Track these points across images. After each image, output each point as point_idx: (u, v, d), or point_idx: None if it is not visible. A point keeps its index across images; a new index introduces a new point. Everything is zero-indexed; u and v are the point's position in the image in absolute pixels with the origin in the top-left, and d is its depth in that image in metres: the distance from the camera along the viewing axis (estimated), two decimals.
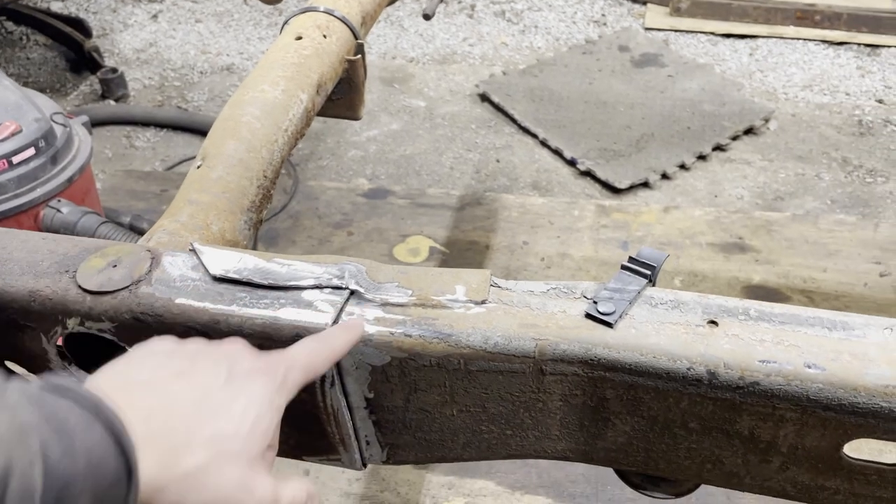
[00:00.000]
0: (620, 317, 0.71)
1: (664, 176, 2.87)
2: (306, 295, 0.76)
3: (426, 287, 0.77)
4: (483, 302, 0.75)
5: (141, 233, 2.60)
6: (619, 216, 2.69)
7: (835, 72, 3.44)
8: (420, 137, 3.15)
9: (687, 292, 0.74)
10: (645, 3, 3.97)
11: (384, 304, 0.75)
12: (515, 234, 2.63)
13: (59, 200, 1.96)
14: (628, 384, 0.71)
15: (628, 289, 0.73)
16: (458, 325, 0.73)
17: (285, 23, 1.30)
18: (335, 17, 1.28)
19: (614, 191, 2.83)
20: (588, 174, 2.90)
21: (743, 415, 0.69)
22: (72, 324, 0.79)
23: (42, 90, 3.45)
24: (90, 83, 3.49)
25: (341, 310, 0.75)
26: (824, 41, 3.62)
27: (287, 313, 0.75)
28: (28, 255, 0.83)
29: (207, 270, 0.79)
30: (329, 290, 0.77)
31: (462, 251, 2.58)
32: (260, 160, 1.03)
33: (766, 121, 3.13)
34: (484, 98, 3.34)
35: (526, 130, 3.14)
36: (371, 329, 0.73)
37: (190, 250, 0.83)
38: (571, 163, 2.95)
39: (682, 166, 2.91)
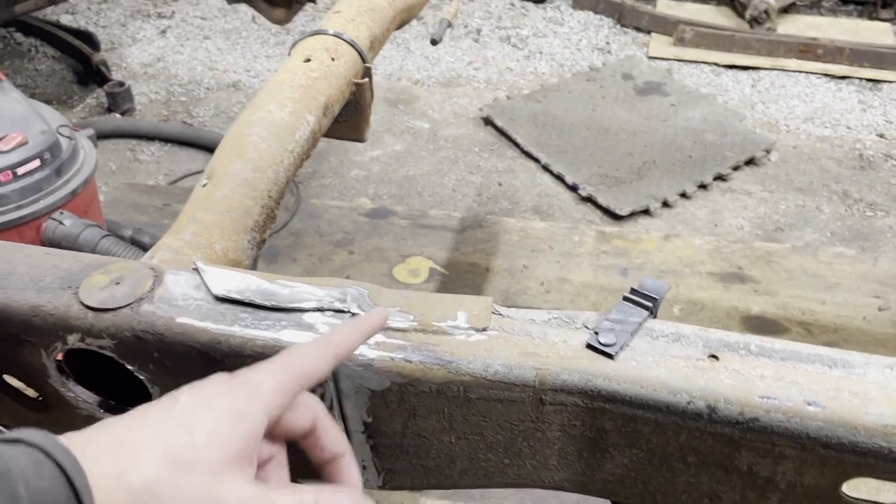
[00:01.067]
0: (621, 348, 0.71)
1: (665, 204, 2.89)
2: (308, 317, 0.76)
3: (428, 313, 0.77)
4: (484, 329, 0.75)
5: (142, 246, 2.61)
6: (619, 243, 2.69)
7: (836, 105, 3.46)
8: (423, 159, 3.17)
9: (688, 325, 0.74)
10: (649, 33, 4.01)
11: (386, 329, 0.76)
12: (516, 258, 2.63)
13: (61, 213, 1.97)
14: (628, 416, 0.71)
15: (630, 320, 0.74)
16: (458, 352, 0.73)
17: (294, 44, 1.31)
18: (344, 40, 1.29)
19: (615, 217, 2.83)
20: (589, 200, 2.92)
21: (742, 450, 0.69)
22: (72, 340, 0.79)
23: (49, 102, 3.47)
24: (97, 96, 3.52)
25: None
26: (826, 75, 3.65)
27: (288, 335, 0.75)
28: (32, 269, 0.83)
29: (210, 290, 0.79)
30: (331, 312, 0.77)
31: (462, 273, 2.58)
32: (265, 180, 1.03)
33: (768, 152, 3.15)
34: (487, 122, 3.36)
35: (528, 155, 3.15)
36: (371, 353, 0.73)
37: (193, 269, 0.83)
38: (573, 188, 2.96)
39: (683, 195, 2.93)
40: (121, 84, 3.37)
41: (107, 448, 0.53)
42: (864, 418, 0.65)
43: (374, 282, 2.67)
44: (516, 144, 3.21)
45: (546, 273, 2.57)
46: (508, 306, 0.81)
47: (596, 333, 0.72)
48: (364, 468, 0.85)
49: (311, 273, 2.64)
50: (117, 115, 3.36)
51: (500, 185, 3.03)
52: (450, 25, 1.61)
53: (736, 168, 3.07)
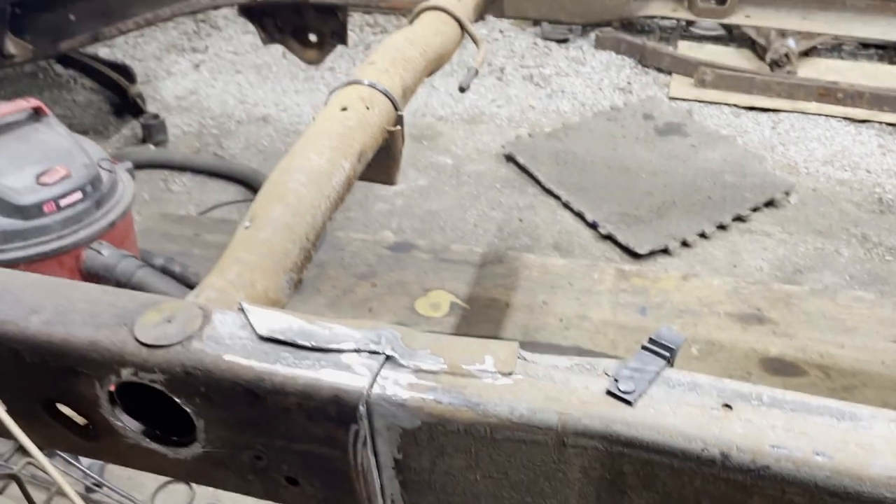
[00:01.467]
0: (640, 396, 0.76)
1: (684, 243, 2.92)
2: (345, 358, 0.82)
3: (457, 356, 0.82)
4: (510, 374, 0.80)
5: (172, 275, 2.69)
6: (638, 281, 2.73)
7: (856, 149, 3.50)
8: (446, 194, 3.24)
9: (703, 375, 0.79)
10: (670, 74, 4.08)
11: (417, 371, 0.81)
12: (535, 294, 2.68)
13: (100, 243, 2.05)
14: (645, 461, 0.75)
15: (648, 369, 0.78)
16: (485, 394, 0.78)
17: (331, 93, 1.38)
18: (378, 90, 1.36)
19: (634, 255, 2.87)
20: (609, 238, 2.96)
21: (753, 496, 0.73)
22: (126, 373, 0.85)
23: (85, 132, 3.60)
24: (132, 127, 3.64)
25: (377, 374, 0.80)
26: (846, 118, 3.69)
27: (327, 374, 0.80)
28: (89, 306, 0.89)
29: (255, 330, 0.85)
30: (366, 353, 0.82)
31: (482, 308, 2.63)
32: (304, 224, 1.10)
33: (787, 194, 3.18)
34: (509, 159, 3.43)
35: (549, 192, 3.21)
36: (404, 394, 0.79)
37: (239, 309, 0.89)
38: (593, 226, 3.01)
39: (703, 235, 2.96)
40: (155, 116, 3.49)
41: None
42: (870, 470, 0.69)
43: (397, 314, 2.74)
44: (537, 181, 3.27)
45: (565, 309, 2.61)
46: (525, 342, 0.86)
47: (616, 381, 0.77)
48: (392, 502, 0.89)
49: (334, 304, 2.70)
50: (151, 147, 3.47)
51: (520, 221, 3.09)
52: (477, 73, 1.69)
53: (755, 209, 3.10)
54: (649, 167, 3.34)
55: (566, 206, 3.13)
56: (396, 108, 1.38)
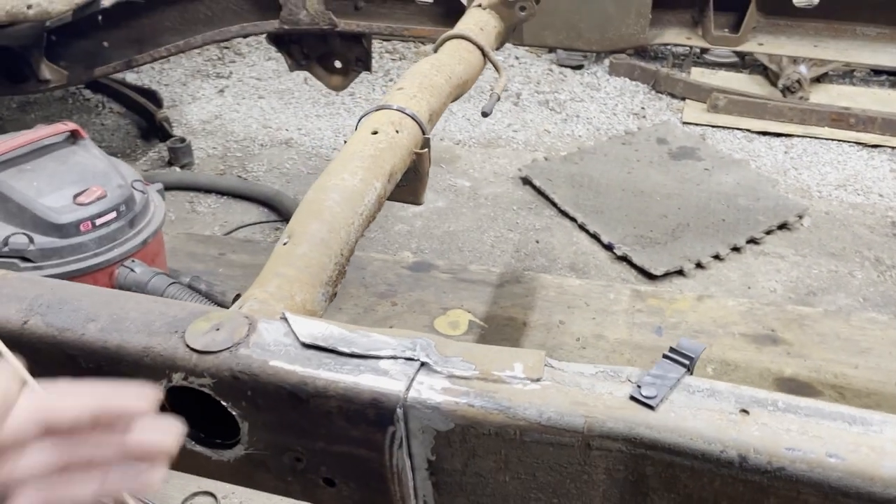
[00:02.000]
0: (661, 401, 0.81)
1: (699, 265, 2.96)
2: (383, 364, 0.87)
3: (488, 363, 0.87)
4: (538, 379, 0.85)
5: (198, 293, 2.75)
6: (653, 302, 2.77)
7: (868, 173, 3.53)
8: (464, 216, 3.30)
9: (721, 382, 0.83)
10: (683, 99, 4.14)
11: (451, 376, 0.86)
12: (552, 314, 2.72)
13: (133, 261, 2.12)
14: (667, 462, 0.79)
15: (669, 376, 0.83)
16: (515, 399, 0.83)
17: (361, 118, 1.45)
18: (406, 114, 1.43)
19: (649, 277, 2.92)
20: (624, 259, 3.01)
21: (770, 497, 0.77)
22: (177, 378, 0.91)
23: (114, 155, 3.70)
24: (158, 150, 3.74)
25: (413, 379, 0.86)
26: (858, 143, 3.73)
27: (366, 379, 0.86)
28: (142, 315, 0.96)
29: (297, 337, 0.90)
30: (402, 360, 0.88)
31: (500, 327, 2.67)
32: (339, 240, 1.16)
33: (800, 217, 3.22)
34: (526, 181, 3.50)
35: (565, 214, 3.27)
36: (439, 398, 0.84)
37: (281, 318, 0.95)
38: (608, 247, 3.06)
39: (717, 257, 3.00)
40: (182, 140, 3.58)
41: None
42: (881, 470, 0.73)
43: (417, 332, 2.75)
44: (554, 204, 3.33)
45: (582, 329, 2.65)
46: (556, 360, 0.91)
47: (639, 387, 0.82)
48: (425, 503, 0.94)
49: (356, 322, 2.74)
50: (177, 169, 3.56)
51: (537, 242, 3.14)
52: (499, 98, 1.75)
53: (769, 232, 3.14)
54: (663, 190, 3.39)
55: (582, 227, 3.18)
56: (423, 132, 1.45)
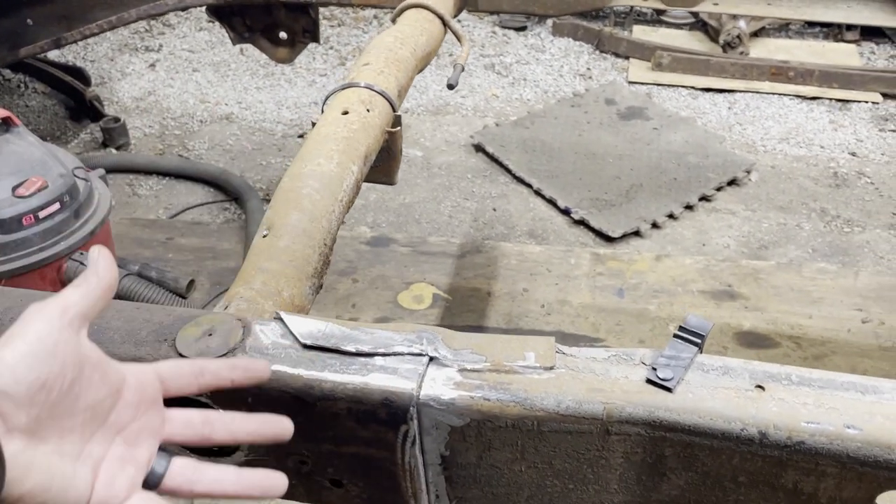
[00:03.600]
0: (678, 382, 0.80)
1: (654, 225, 3.00)
2: (390, 361, 0.84)
3: (498, 354, 0.85)
4: (552, 368, 0.83)
5: (150, 280, 2.65)
6: (613, 264, 2.80)
7: (809, 125, 3.63)
8: (418, 186, 3.25)
9: (733, 359, 0.83)
10: (627, 58, 4.16)
11: (462, 370, 0.83)
12: (515, 282, 2.72)
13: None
14: (686, 443, 0.79)
15: (682, 356, 0.82)
16: (531, 389, 0.81)
17: (328, 97, 1.39)
18: (375, 91, 1.38)
19: (607, 239, 2.94)
20: (582, 223, 3.02)
21: (788, 470, 0.78)
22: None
23: (43, 138, 3.49)
24: (90, 131, 3.55)
25: (423, 375, 0.83)
26: (798, 96, 3.82)
27: (375, 379, 0.82)
28: (125, 323, 0.89)
29: (297, 338, 0.86)
30: (410, 356, 0.85)
31: (465, 298, 2.66)
32: (321, 230, 1.11)
33: (748, 172, 3.29)
34: (478, 148, 3.47)
35: (520, 180, 3.26)
36: (452, 393, 0.81)
37: (276, 318, 0.90)
38: (565, 212, 3.07)
39: (671, 216, 3.05)
40: (116, 119, 3.41)
41: None
42: None
43: (380, 309, 2.75)
44: (508, 170, 3.31)
45: (546, 295, 2.67)
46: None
47: (654, 369, 0.81)
48: (437, 497, 0.92)
49: (317, 301, 2.69)
50: (113, 150, 3.39)
51: (494, 210, 3.13)
52: (463, 69, 1.71)
53: (719, 189, 3.20)
54: (615, 151, 3.42)
55: (538, 193, 3.18)
56: (394, 109, 1.40)
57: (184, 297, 2.63)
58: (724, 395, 0.79)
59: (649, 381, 0.81)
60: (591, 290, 2.68)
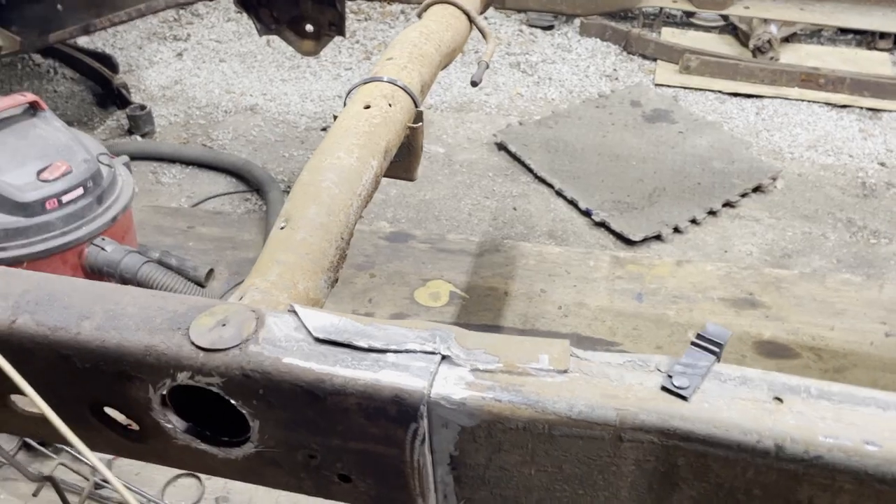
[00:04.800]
0: (694, 391, 0.79)
1: (676, 230, 2.97)
2: (403, 358, 0.83)
3: (511, 355, 0.84)
4: (565, 371, 0.82)
5: (170, 268, 2.67)
6: (633, 268, 2.78)
7: (838, 133, 3.57)
8: (439, 183, 3.25)
9: (752, 369, 0.82)
10: (655, 60, 4.12)
11: (475, 370, 0.83)
12: (533, 282, 2.71)
13: (103, 239, 2.03)
14: (700, 453, 0.78)
15: (699, 364, 0.81)
16: (544, 392, 0.80)
17: (350, 91, 1.39)
18: (398, 86, 1.37)
19: (628, 242, 2.92)
20: (602, 225, 3.00)
21: (804, 484, 0.76)
22: (182, 377, 0.86)
23: (70, 124, 3.54)
24: (116, 118, 3.58)
25: (435, 373, 0.82)
26: (828, 104, 3.76)
27: (386, 375, 0.82)
28: (140, 311, 0.90)
29: (310, 332, 0.86)
30: (423, 354, 0.84)
31: (481, 297, 2.65)
32: (338, 223, 1.11)
33: (774, 179, 3.24)
34: (501, 147, 3.45)
35: (542, 180, 3.24)
36: (464, 393, 0.81)
37: (290, 311, 0.90)
38: (586, 213, 3.05)
39: (694, 221, 3.01)
40: (142, 107, 3.44)
41: None
42: None
43: (397, 305, 2.75)
44: (530, 170, 3.30)
45: (563, 297, 2.65)
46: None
47: (670, 377, 0.80)
48: (445, 497, 0.91)
49: (334, 295, 2.69)
50: (138, 138, 3.42)
51: (514, 209, 3.12)
52: (487, 66, 1.70)
53: (744, 195, 3.16)
54: (639, 154, 3.38)
55: (559, 194, 3.16)
56: (416, 105, 1.39)
57: (202, 286, 2.65)
58: (740, 405, 0.77)
59: (664, 389, 0.79)
60: (609, 294, 2.66)
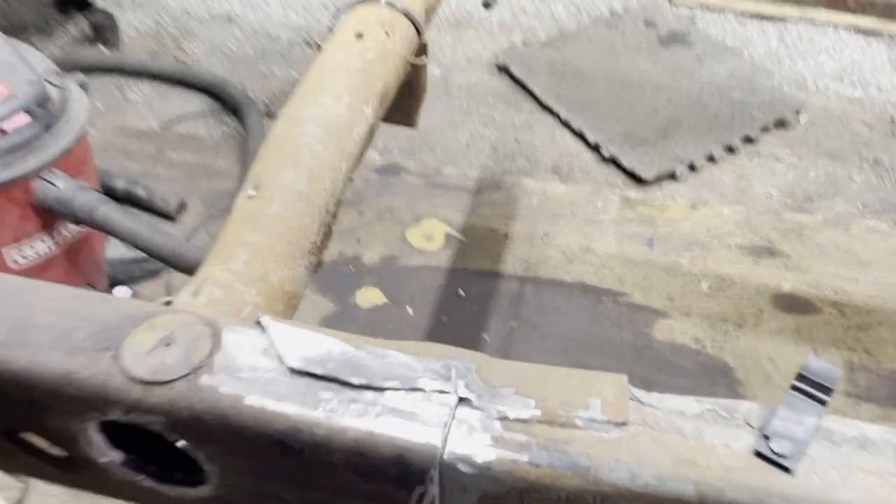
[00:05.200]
0: (798, 458, 0.59)
1: (691, 167, 2.74)
2: (407, 401, 0.63)
3: (551, 396, 0.64)
4: (624, 423, 0.62)
5: (137, 201, 2.42)
6: (644, 210, 2.56)
7: (867, 63, 3.30)
8: (435, 109, 2.97)
9: (873, 426, 0.62)
10: None
11: (503, 419, 0.62)
12: (536, 224, 2.50)
13: (53, 172, 1.78)
14: None
15: (804, 420, 0.61)
16: (595, 454, 0.60)
17: (340, 12, 1.12)
18: (398, 10, 1.11)
19: (639, 181, 2.69)
20: (612, 161, 2.76)
21: None
22: (114, 413, 0.65)
23: (25, 29, 3.19)
24: (77, 24, 3.23)
25: (450, 424, 0.62)
26: (856, 29, 3.46)
27: (384, 425, 0.61)
28: (58, 319, 0.68)
29: (282, 360, 0.64)
30: (434, 394, 0.63)
31: (480, 239, 2.44)
32: (323, 192, 0.87)
33: (797, 113, 2.99)
34: (502, 69, 3.16)
35: (547, 108, 2.97)
36: (490, 454, 0.60)
37: (256, 323, 0.68)
38: (595, 147, 2.80)
39: (710, 158, 2.78)
40: (106, 14, 3.09)
41: None
42: None
43: (387, 245, 2.49)
44: (534, 96, 3.02)
45: (568, 241, 2.44)
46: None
47: (765, 437, 0.60)
48: None
49: None
50: (103, 49, 3.09)
51: (517, 140, 2.86)
52: None
53: (764, 129, 2.92)
54: (653, 81, 3.11)
55: (565, 124, 2.90)
56: (419, 34, 1.13)
57: (172, 220, 2.41)
58: (862, 481, 0.58)
59: (759, 455, 0.59)
60: (617, 238, 2.46)
